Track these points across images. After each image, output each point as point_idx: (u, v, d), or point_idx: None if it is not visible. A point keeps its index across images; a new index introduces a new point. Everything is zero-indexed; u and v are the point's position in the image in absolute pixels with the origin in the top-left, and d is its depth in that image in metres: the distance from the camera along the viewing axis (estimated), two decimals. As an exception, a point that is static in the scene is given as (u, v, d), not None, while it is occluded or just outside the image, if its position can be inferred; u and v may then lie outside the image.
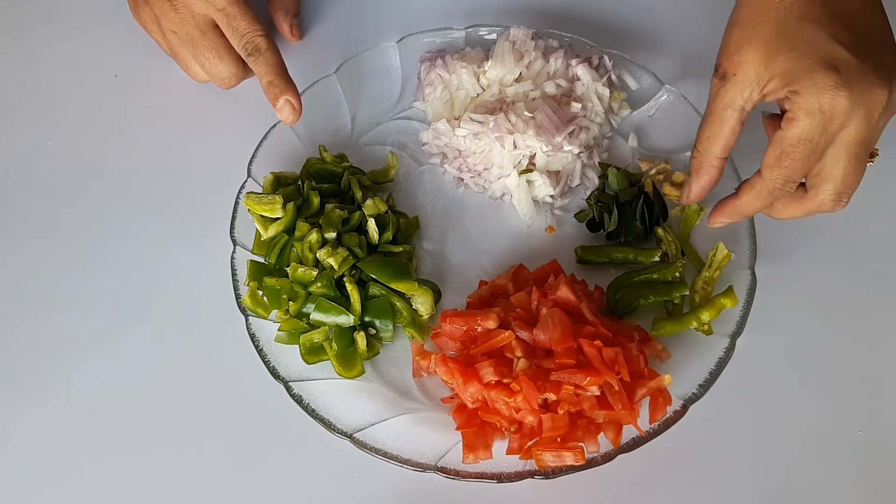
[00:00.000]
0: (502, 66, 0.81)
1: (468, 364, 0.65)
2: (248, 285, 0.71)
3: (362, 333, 0.69)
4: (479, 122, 0.78)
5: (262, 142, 0.79)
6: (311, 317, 0.69)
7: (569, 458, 0.62)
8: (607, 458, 0.63)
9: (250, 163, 0.78)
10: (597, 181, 0.80)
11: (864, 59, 0.58)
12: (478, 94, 0.82)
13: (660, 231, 0.74)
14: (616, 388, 0.62)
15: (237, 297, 0.71)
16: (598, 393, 0.63)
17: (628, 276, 0.73)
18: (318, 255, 0.70)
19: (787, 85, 0.59)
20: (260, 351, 0.69)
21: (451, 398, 0.67)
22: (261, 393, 0.69)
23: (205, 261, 0.76)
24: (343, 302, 0.70)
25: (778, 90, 0.60)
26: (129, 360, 0.72)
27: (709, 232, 0.75)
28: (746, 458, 0.67)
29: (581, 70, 0.82)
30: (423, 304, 0.71)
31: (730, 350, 0.67)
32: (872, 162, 0.64)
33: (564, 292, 0.67)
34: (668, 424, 0.65)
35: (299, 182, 0.77)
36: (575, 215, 0.79)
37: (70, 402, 0.70)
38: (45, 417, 0.70)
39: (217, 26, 0.80)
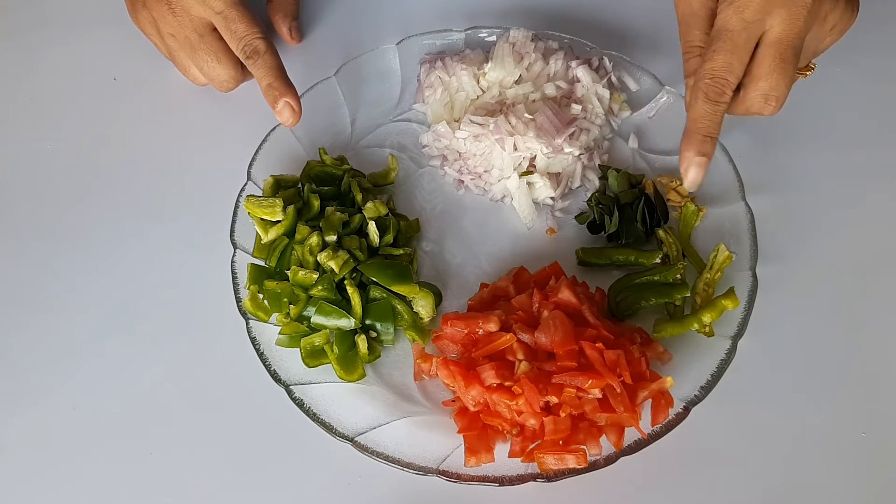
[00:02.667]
0: (502, 67, 0.81)
1: (470, 367, 0.65)
2: (248, 289, 0.71)
3: (363, 336, 0.69)
4: (480, 125, 0.78)
5: (261, 145, 0.79)
6: (311, 320, 0.69)
7: (571, 461, 0.62)
8: (609, 460, 0.63)
9: (250, 166, 0.78)
10: (597, 183, 0.80)
11: None
12: (478, 96, 0.82)
13: (661, 233, 0.74)
14: (618, 390, 0.62)
15: (238, 300, 0.71)
16: (599, 395, 0.62)
17: (629, 278, 0.73)
18: (318, 258, 0.70)
19: None
20: (261, 354, 0.69)
21: (453, 401, 0.67)
22: (262, 396, 0.69)
23: (205, 264, 0.75)
24: (344, 305, 0.69)
25: None
26: (130, 363, 0.72)
27: (710, 234, 0.75)
28: (748, 460, 0.67)
29: (581, 72, 0.82)
30: (424, 306, 0.71)
31: (731, 352, 0.67)
32: (805, 75, 0.68)
33: (566, 294, 0.67)
34: (670, 426, 0.65)
35: (299, 185, 0.77)
36: (575, 217, 0.79)
37: (71, 406, 0.70)
38: (46, 421, 0.70)
39: (215, 29, 0.80)
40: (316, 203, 0.74)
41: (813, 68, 0.68)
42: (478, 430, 0.64)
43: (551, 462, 0.62)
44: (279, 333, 0.70)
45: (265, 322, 0.70)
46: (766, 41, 0.62)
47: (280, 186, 0.76)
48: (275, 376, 0.67)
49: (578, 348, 0.64)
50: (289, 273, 0.71)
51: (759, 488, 0.66)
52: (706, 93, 0.64)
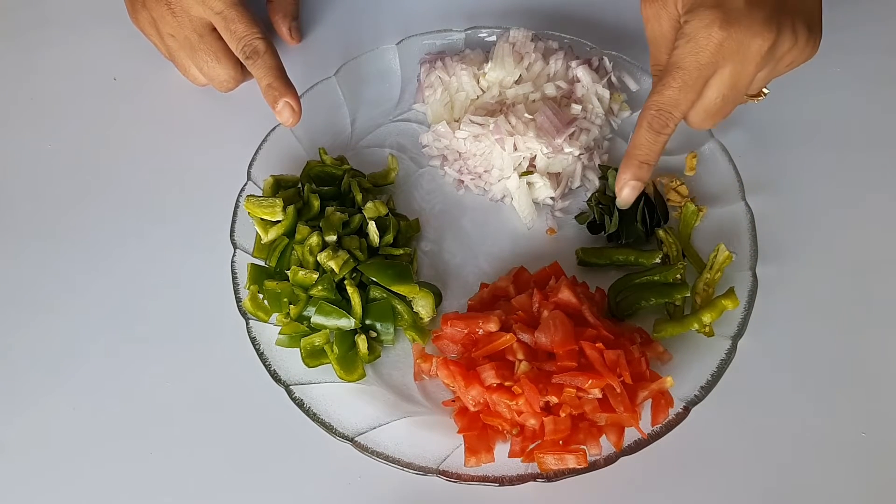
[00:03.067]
0: (502, 67, 0.81)
1: (469, 367, 0.65)
2: (248, 289, 0.71)
3: (363, 336, 0.69)
4: (480, 125, 0.78)
5: (261, 144, 0.79)
6: (311, 320, 0.69)
7: (571, 461, 0.62)
8: (609, 460, 0.63)
9: (250, 166, 0.78)
10: (597, 183, 0.80)
11: (758, 9, 0.62)
12: (478, 96, 0.82)
13: (661, 233, 0.74)
14: (618, 390, 0.62)
15: (238, 300, 0.71)
16: (599, 395, 0.62)
17: (629, 279, 0.73)
18: (318, 258, 0.70)
19: (685, 13, 0.64)
20: (261, 354, 0.69)
21: (453, 401, 0.67)
22: (261, 396, 0.69)
23: (205, 264, 0.75)
24: (344, 305, 0.69)
25: (682, 16, 0.65)
26: (129, 363, 0.72)
27: (710, 233, 0.75)
28: (748, 460, 0.67)
29: (581, 71, 0.82)
30: (424, 306, 0.71)
31: (731, 352, 0.67)
32: (756, 101, 0.71)
33: (566, 294, 0.67)
34: (670, 427, 0.65)
35: (299, 185, 0.77)
36: (575, 217, 0.79)
37: (71, 406, 0.70)
38: (46, 421, 0.70)
39: (215, 30, 0.80)
40: (316, 203, 0.74)
41: (766, 94, 0.71)
42: (478, 430, 0.64)
43: (551, 462, 0.62)
44: (279, 333, 0.70)
45: (265, 322, 0.70)
46: (718, 76, 0.64)
47: (280, 186, 0.76)
48: (275, 376, 0.67)
49: (578, 348, 0.63)
50: (289, 273, 0.71)
51: (759, 488, 0.66)
52: (650, 123, 0.65)
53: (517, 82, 0.82)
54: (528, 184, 0.78)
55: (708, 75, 0.63)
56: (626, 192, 0.68)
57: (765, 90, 0.70)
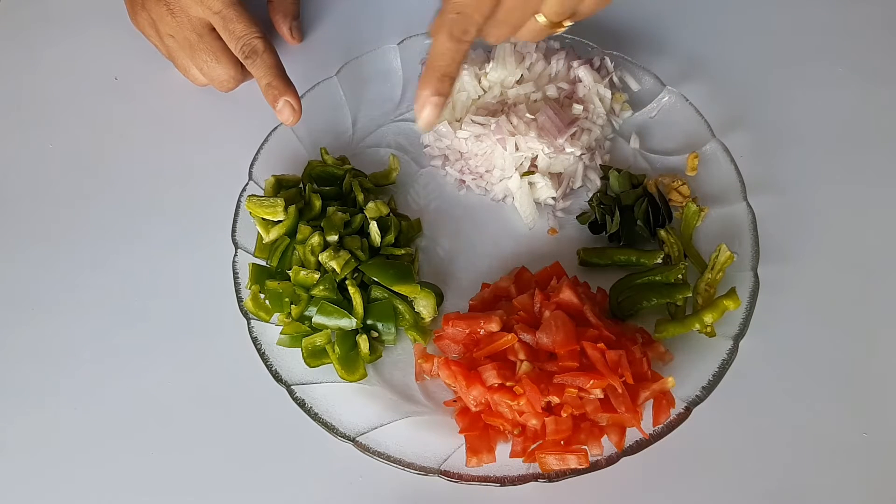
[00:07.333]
0: (504, 67, 0.81)
1: (471, 367, 0.65)
2: (250, 288, 0.71)
3: (364, 336, 0.69)
4: (481, 125, 0.78)
5: (263, 144, 0.79)
6: (313, 320, 0.69)
7: (572, 461, 0.62)
8: (611, 461, 0.63)
9: (251, 166, 0.78)
10: (599, 183, 0.80)
11: None
12: (479, 96, 0.82)
13: (662, 233, 0.74)
14: (619, 390, 0.62)
15: (239, 300, 0.71)
16: (601, 396, 0.62)
17: (631, 279, 0.73)
18: (320, 258, 0.70)
19: None
20: (262, 354, 0.69)
21: (454, 401, 0.67)
22: (263, 396, 0.68)
23: (206, 264, 0.75)
24: (345, 305, 0.69)
25: None
26: (130, 363, 0.72)
27: (712, 234, 0.75)
28: (750, 461, 0.67)
29: (582, 72, 0.82)
30: (425, 306, 0.71)
31: (733, 352, 0.67)
32: (558, 31, 0.67)
33: (567, 295, 0.67)
34: (671, 427, 0.65)
35: (301, 185, 0.77)
36: (577, 217, 0.79)
37: (71, 405, 0.70)
38: (46, 420, 0.70)
39: (214, 30, 0.80)
40: (317, 203, 0.74)
41: (566, 26, 0.67)
42: (479, 430, 0.64)
43: (553, 462, 0.62)
44: (280, 333, 0.70)
45: (267, 322, 0.70)
46: None
47: (281, 186, 0.76)
48: (276, 376, 0.67)
49: (580, 348, 0.63)
50: (290, 273, 0.70)
51: (760, 488, 0.66)
52: (450, 29, 0.62)
53: (519, 82, 0.82)
54: (530, 184, 0.78)
55: None
56: (428, 111, 0.64)
57: (567, 22, 0.67)
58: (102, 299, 0.75)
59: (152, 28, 0.82)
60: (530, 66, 0.82)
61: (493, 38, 0.66)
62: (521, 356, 0.64)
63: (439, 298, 0.72)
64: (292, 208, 0.72)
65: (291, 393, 0.67)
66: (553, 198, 0.79)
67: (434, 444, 0.65)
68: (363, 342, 0.69)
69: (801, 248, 0.76)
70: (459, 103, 0.82)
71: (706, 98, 0.84)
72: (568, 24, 0.67)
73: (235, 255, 0.73)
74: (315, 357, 0.69)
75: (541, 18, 0.65)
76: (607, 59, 0.84)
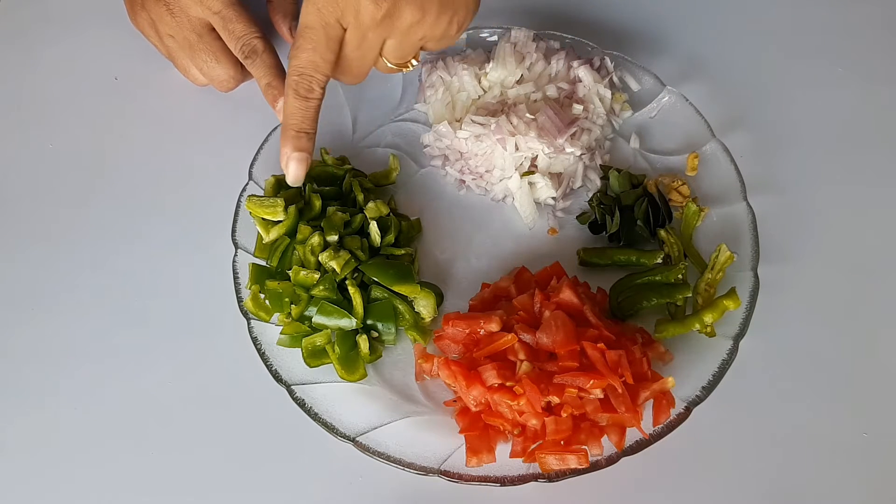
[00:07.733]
0: (504, 67, 0.81)
1: (471, 367, 0.65)
2: (250, 288, 0.71)
3: (364, 336, 0.69)
4: (481, 125, 0.78)
5: (263, 144, 0.79)
6: (313, 320, 0.69)
7: (572, 462, 0.62)
8: (611, 461, 0.63)
9: (251, 166, 0.78)
10: (599, 183, 0.80)
11: None
12: (479, 96, 0.82)
13: (662, 233, 0.74)
14: (619, 390, 0.62)
15: (239, 300, 0.71)
16: (601, 396, 0.62)
17: (631, 279, 0.72)
18: (320, 258, 0.70)
19: None
20: (262, 354, 0.68)
21: (454, 401, 0.67)
22: (263, 396, 0.68)
23: (206, 264, 0.75)
24: (345, 305, 0.69)
25: None
26: (130, 363, 0.72)
27: (712, 234, 0.75)
28: (750, 461, 0.67)
29: (582, 72, 0.82)
30: (425, 306, 0.71)
31: (733, 352, 0.67)
32: (405, 70, 0.72)
33: (567, 295, 0.67)
34: (671, 427, 0.65)
35: (301, 185, 0.77)
36: (577, 217, 0.79)
37: (71, 405, 0.70)
38: (46, 421, 0.69)
39: (213, 30, 0.80)
40: (317, 203, 0.74)
41: (414, 65, 0.72)
42: (479, 430, 0.64)
43: (553, 462, 0.62)
44: (280, 333, 0.70)
45: (266, 322, 0.70)
46: (347, 39, 0.65)
47: (281, 186, 0.76)
48: (276, 376, 0.67)
49: (580, 348, 0.63)
50: (290, 273, 0.70)
51: (760, 488, 0.66)
52: (296, 90, 0.66)
53: (518, 82, 0.82)
54: (530, 184, 0.78)
55: (337, 34, 0.64)
56: (293, 166, 0.67)
57: (413, 62, 0.71)
58: (102, 299, 0.75)
59: (152, 28, 0.82)
60: (530, 66, 0.82)
61: (347, 83, 0.71)
62: (521, 356, 0.64)
63: (439, 298, 0.72)
64: (292, 208, 0.72)
65: (291, 393, 0.66)
66: (553, 198, 0.79)
67: (434, 444, 0.65)
68: (363, 342, 0.69)
69: (801, 248, 0.76)
70: (459, 103, 0.82)
71: (706, 98, 0.84)
72: (415, 63, 0.72)
73: (235, 255, 0.73)
74: (315, 357, 0.69)
75: (387, 62, 0.70)
76: (607, 59, 0.84)
